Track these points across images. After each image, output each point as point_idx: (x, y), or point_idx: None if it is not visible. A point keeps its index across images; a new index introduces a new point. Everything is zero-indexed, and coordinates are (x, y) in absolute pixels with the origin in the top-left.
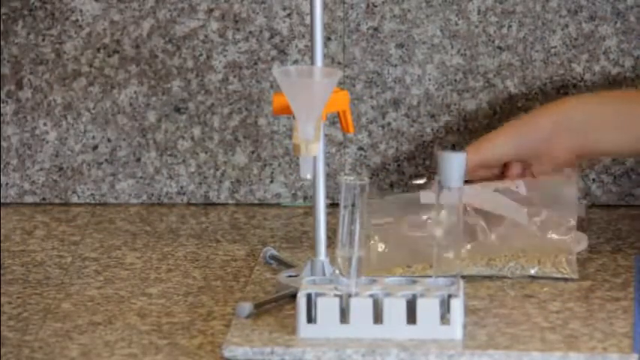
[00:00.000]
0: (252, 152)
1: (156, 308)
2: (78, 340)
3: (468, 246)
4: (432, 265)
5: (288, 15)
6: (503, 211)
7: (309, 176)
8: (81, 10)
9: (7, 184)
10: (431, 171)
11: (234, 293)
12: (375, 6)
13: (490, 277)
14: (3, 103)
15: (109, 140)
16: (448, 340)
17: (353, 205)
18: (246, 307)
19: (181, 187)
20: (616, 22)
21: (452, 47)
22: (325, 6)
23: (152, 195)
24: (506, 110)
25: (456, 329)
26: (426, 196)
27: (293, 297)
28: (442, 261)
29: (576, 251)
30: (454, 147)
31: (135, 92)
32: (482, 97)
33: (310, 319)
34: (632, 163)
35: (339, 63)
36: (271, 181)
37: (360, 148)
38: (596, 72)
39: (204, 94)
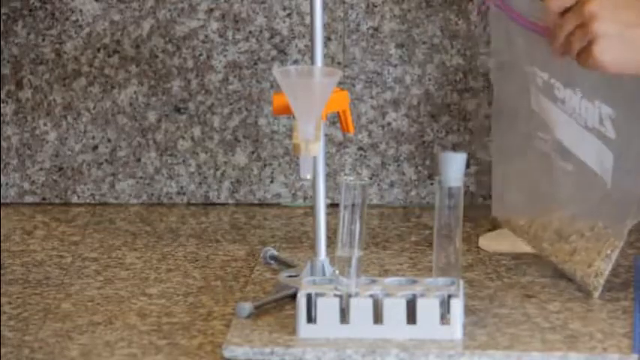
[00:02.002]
0: (252, 152)
1: (156, 308)
2: (78, 340)
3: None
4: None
5: (288, 15)
6: (586, 157)
7: (309, 176)
8: (81, 10)
9: (7, 184)
10: None
11: (234, 293)
12: (375, 6)
13: (490, 278)
14: (3, 103)
15: (109, 140)
16: (448, 340)
17: (353, 205)
18: (246, 307)
19: (181, 187)
20: None
21: (452, 47)
22: (325, 6)
23: (152, 195)
24: None
25: (456, 329)
26: None
27: (293, 297)
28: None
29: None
30: (454, 147)
31: (135, 92)
32: (482, 97)
33: (310, 319)
34: None
35: (339, 63)
36: (271, 181)
37: (360, 148)
38: None
39: (204, 94)
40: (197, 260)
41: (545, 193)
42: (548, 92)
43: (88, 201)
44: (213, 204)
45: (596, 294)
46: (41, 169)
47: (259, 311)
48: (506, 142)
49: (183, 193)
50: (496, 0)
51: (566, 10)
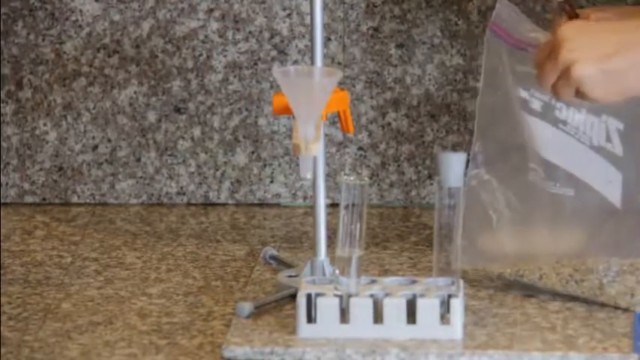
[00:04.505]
0: (252, 152)
1: (156, 308)
2: (78, 340)
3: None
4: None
5: (288, 15)
6: (590, 179)
7: (309, 176)
8: (81, 10)
9: (7, 184)
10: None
11: (234, 293)
12: (375, 6)
13: (490, 278)
14: (3, 103)
15: (109, 140)
16: (448, 340)
17: (353, 205)
18: (246, 307)
19: (181, 187)
20: None
21: (452, 47)
22: (325, 6)
23: (152, 195)
24: None
25: (456, 329)
26: None
27: (293, 297)
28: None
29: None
30: (454, 147)
31: (135, 92)
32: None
33: (310, 319)
34: None
35: (339, 63)
36: (271, 181)
37: (360, 148)
38: None
39: (204, 94)
40: (197, 260)
41: (543, 232)
42: (548, 115)
43: (88, 201)
44: (213, 204)
45: None
46: (41, 169)
47: (259, 311)
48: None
49: (183, 193)
50: (495, 27)
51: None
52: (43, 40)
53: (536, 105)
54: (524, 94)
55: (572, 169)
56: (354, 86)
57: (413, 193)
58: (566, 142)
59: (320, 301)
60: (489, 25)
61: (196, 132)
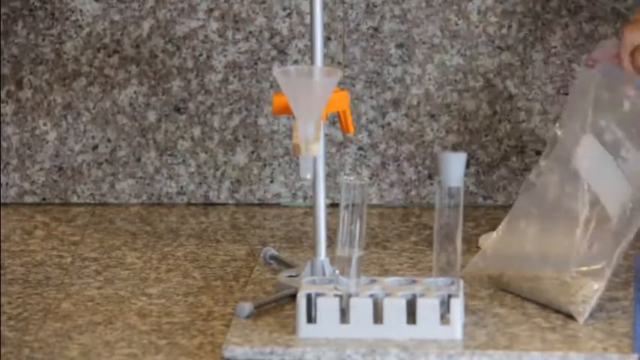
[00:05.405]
0: (252, 152)
1: (156, 308)
2: (78, 340)
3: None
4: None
5: (288, 15)
6: (603, 193)
7: (309, 176)
8: (81, 10)
9: (7, 184)
10: None
11: (234, 293)
12: (375, 6)
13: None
14: (3, 103)
15: (109, 140)
16: (448, 340)
17: (353, 205)
18: (246, 307)
19: (181, 187)
20: (616, 22)
21: (452, 47)
22: (325, 6)
23: (152, 195)
24: (506, 110)
25: (456, 329)
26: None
27: (293, 297)
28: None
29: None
30: (454, 147)
31: (135, 92)
32: (482, 97)
33: (310, 319)
34: None
35: (339, 63)
36: (271, 181)
37: (360, 148)
38: None
39: (204, 94)
40: (197, 260)
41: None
42: (614, 149)
43: (88, 201)
44: (213, 204)
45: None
46: (41, 169)
47: (259, 311)
48: (539, 202)
49: (184, 193)
50: (591, 61)
51: None
52: (43, 40)
53: (608, 136)
54: (602, 123)
55: (606, 202)
56: (354, 86)
57: (413, 193)
58: (616, 179)
59: (320, 301)
60: (585, 60)
61: (196, 132)
